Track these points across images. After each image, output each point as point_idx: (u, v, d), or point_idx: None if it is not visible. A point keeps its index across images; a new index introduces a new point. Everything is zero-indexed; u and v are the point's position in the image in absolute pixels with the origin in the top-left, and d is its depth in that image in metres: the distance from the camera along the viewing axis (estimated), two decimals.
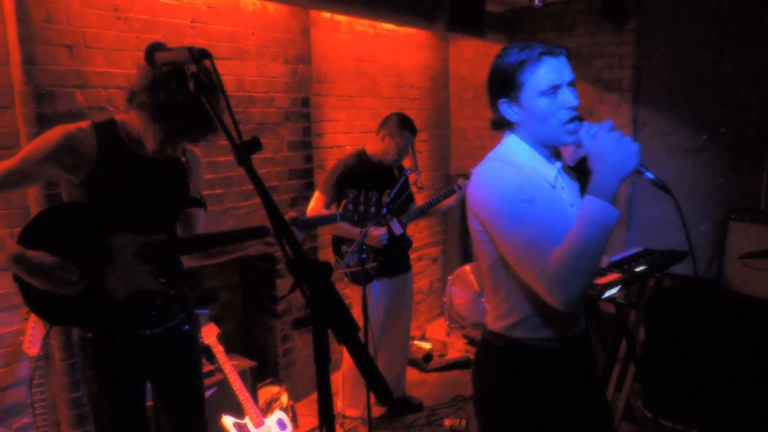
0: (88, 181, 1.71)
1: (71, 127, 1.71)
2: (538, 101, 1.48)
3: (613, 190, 1.36)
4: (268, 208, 1.15)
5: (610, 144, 1.36)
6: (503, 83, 1.53)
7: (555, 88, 1.47)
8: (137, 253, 1.76)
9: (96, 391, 1.89)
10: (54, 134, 1.68)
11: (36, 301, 1.70)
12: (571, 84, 1.50)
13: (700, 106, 4.16)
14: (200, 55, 1.36)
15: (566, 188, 1.62)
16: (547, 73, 1.47)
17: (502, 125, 1.61)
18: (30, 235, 1.66)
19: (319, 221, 2.10)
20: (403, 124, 3.17)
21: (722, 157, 4.10)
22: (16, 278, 1.68)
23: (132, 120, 1.76)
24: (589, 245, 1.35)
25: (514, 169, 1.52)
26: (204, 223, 2.06)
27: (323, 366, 1.03)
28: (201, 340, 2.85)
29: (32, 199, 2.48)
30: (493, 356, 1.67)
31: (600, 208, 1.35)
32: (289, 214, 1.95)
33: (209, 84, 1.42)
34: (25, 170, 1.69)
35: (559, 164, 1.62)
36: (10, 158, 1.70)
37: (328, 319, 1.02)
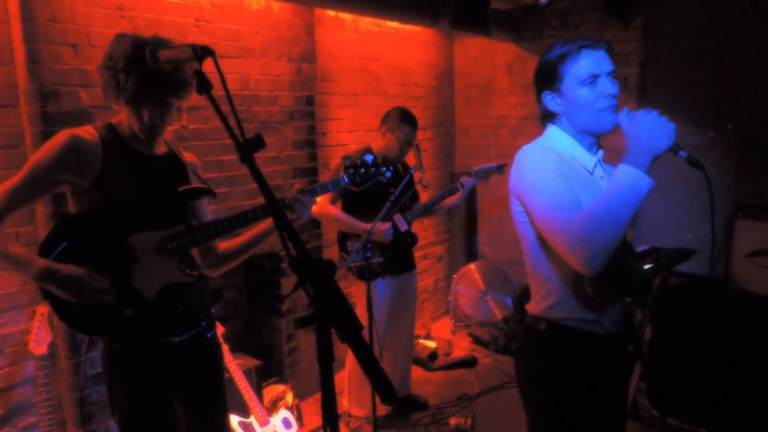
0: (99, 181, 1.70)
1: (75, 130, 1.72)
2: (578, 90, 1.56)
3: (646, 164, 1.41)
4: (272, 207, 1.15)
5: (647, 124, 1.43)
6: (547, 76, 1.61)
7: (594, 78, 1.54)
8: (159, 248, 1.77)
9: (126, 404, 1.85)
10: (59, 138, 1.68)
11: (69, 314, 1.70)
12: (611, 74, 1.56)
13: (706, 103, 4.12)
14: (203, 52, 1.36)
15: (605, 177, 1.67)
16: (587, 64, 1.55)
17: (546, 118, 1.68)
18: (50, 247, 1.65)
19: (325, 187, 2.11)
20: (403, 118, 3.19)
21: (729, 155, 4.07)
22: (45, 294, 1.66)
23: (123, 118, 1.80)
24: (616, 207, 1.38)
25: (552, 153, 1.58)
26: (210, 215, 2.06)
27: (327, 365, 1.02)
28: None
29: None
30: (536, 339, 1.70)
31: (631, 173, 1.40)
32: (296, 186, 1.98)
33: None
34: (36, 181, 1.66)
35: (600, 153, 1.67)
36: (11, 178, 1.67)
37: (332, 318, 1.02)
